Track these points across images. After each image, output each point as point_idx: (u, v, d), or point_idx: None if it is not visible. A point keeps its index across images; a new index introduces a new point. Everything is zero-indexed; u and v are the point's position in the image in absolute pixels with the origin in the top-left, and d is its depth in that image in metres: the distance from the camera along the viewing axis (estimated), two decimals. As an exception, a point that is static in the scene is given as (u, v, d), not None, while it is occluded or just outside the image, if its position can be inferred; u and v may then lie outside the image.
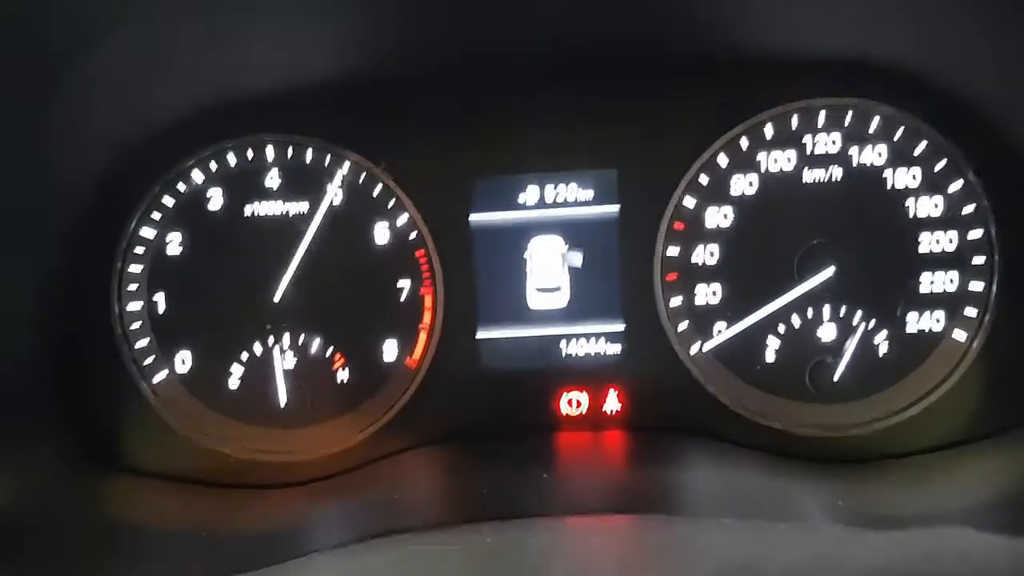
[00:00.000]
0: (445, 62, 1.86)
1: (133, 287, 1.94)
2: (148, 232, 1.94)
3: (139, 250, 1.94)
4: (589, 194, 1.95)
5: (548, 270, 1.96)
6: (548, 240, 1.96)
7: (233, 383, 1.97)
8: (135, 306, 1.94)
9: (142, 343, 1.95)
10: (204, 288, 1.94)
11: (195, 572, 1.31)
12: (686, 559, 1.01)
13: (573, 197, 1.95)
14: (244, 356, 1.96)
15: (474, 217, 1.95)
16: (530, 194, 1.95)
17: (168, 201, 1.94)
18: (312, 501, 1.81)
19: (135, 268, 1.94)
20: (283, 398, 1.95)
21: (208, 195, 1.94)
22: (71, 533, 1.60)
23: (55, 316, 1.84)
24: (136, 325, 1.94)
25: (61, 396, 1.86)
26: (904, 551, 0.86)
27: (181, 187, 1.94)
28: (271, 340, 1.95)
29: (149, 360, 1.95)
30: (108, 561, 1.52)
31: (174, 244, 1.94)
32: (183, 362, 1.96)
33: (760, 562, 0.92)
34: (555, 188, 1.95)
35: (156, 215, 1.94)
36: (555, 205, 1.95)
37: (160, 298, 1.95)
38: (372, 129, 1.94)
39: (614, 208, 1.94)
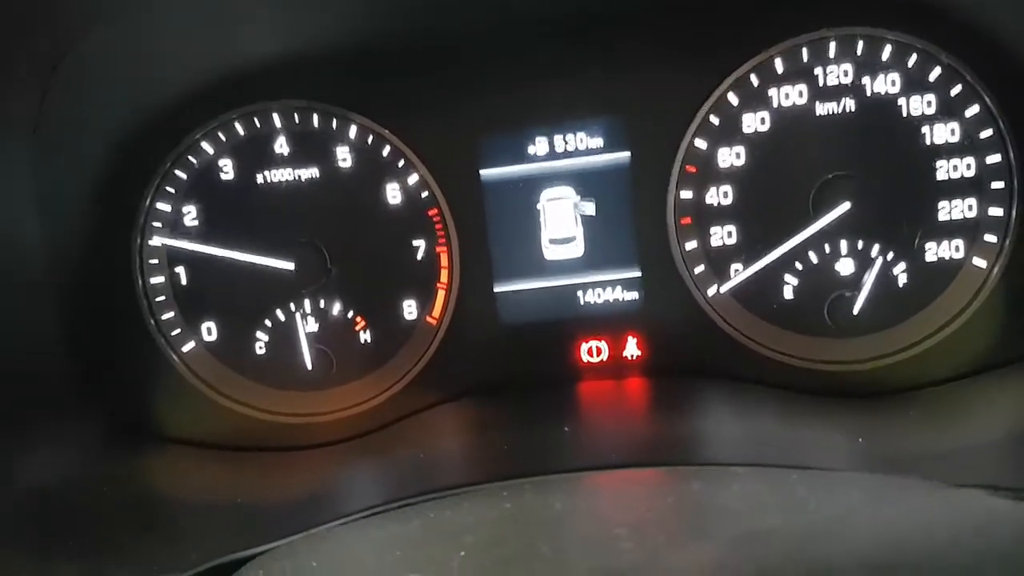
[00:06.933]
0: (446, 21, 1.84)
1: (154, 261, 1.97)
2: (164, 206, 1.95)
3: (157, 224, 1.96)
4: (599, 142, 1.93)
5: (561, 221, 1.96)
6: (560, 191, 1.95)
7: (259, 349, 2.00)
8: (158, 280, 1.97)
9: (168, 315, 1.98)
10: (223, 258, 1.96)
11: (236, 539, 1.36)
12: (706, 524, 1.03)
13: (583, 146, 1.93)
14: (268, 323, 1.99)
15: (484, 172, 1.94)
16: (539, 146, 1.94)
17: (181, 174, 1.95)
18: (341, 462, 1.85)
19: (155, 242, 1.96)
20: (308, 362, 1.98)
21: (220, 165, 1.95)
22: (112, 504, 1.66)
23: (83, 294, 1.88)
24: (161, 298, 1.97)
25: (94, 371, 1.91)
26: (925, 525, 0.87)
27: (192, 160, 1.95)
28: (293, 306, 1.98)
29: (176, 331, 1.99)
30: (149, 527, 1.57)
31: (190, 216, 1.96)
32: (209, 331, 2.00)
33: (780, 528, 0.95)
34: (564, 138, 1.93)
35: (170, 189, 1.95)
36: (565, 155, 1.94)
37: (182, 271, 1.97)
38: (376, 91, 1.92)
39: (625, 155, 1.93)
